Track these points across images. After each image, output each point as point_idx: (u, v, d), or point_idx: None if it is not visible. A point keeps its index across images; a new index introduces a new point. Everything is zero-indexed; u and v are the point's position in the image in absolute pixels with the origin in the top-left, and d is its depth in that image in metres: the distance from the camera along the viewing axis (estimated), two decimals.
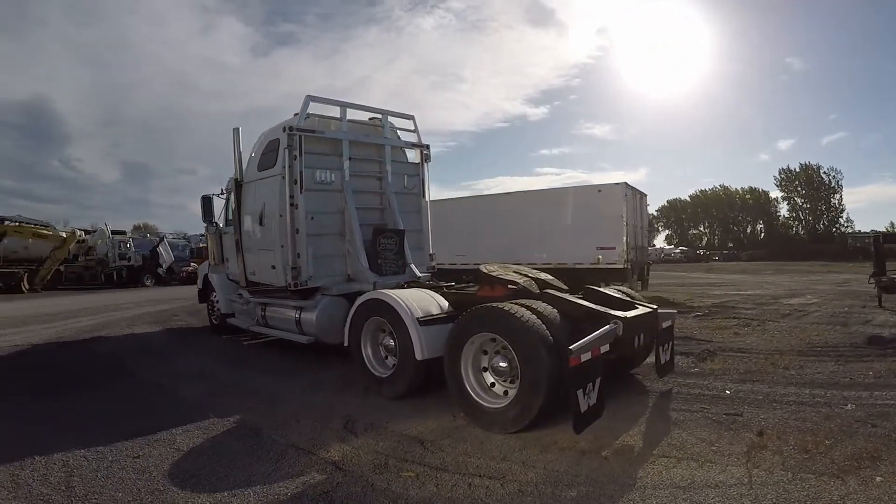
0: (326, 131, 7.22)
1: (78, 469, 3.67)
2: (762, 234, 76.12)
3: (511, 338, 4.19)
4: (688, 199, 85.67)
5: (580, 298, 4.83)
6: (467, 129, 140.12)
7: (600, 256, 13.99)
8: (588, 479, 3.27)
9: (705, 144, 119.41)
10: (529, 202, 15.21)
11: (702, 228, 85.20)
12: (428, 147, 8.47)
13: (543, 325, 4.14)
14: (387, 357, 5.59)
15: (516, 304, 4.46)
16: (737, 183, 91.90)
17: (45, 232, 24.17)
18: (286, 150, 6.76)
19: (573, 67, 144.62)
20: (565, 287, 5.70)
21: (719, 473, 3.24)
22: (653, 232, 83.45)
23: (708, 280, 23.63)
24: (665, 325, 5.30)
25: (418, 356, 4.93)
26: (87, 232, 29.25)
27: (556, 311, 4.47)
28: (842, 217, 69.29)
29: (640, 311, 4.78)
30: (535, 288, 5.25)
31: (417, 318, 5.07)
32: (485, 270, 5.56)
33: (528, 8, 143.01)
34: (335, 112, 7.54)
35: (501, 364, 4.37)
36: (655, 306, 5.04)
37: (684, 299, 13.91)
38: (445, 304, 5.50)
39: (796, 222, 72.40)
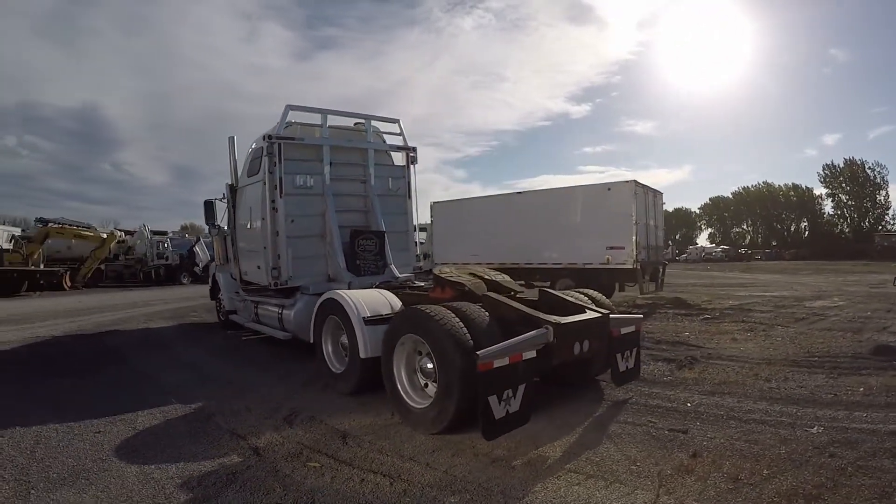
0: (307, 138, 7.14)
1: (46, 439, 4.00)
2: (806, 233, 70.38)
3: (429, 339, 3.97)
4: (730, 196, 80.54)
5: (518, 302, 4.39)
6: (510, 128, 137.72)
7: (609, 256, 13.19)
8: (480, 487, 3.00)
9: (750, 140, 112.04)
10: (540, 201, 14.56)
11: (745, 227, 79.86)
12: (414, 149, 8.22)
13: (463, 328, 3.85)
14: (346, 355, 5.39)
15: (446, 306, 4.18)
16: (782, 179, 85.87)
17: (86, 233, 24.79)
18: (266, 158, 6.71)
19: (614, 64, 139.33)
20: (519, 289, 5.28)
21: (621, 497, 2.80)
22: (695, 232, 79.32)
23: (740, 280, 21.94)
24: (626, 330, 4.78)
25: (362, 354, 4.82)
26: (127, 233, 30.27)
27: (486, 314, 4.11)
28: (888, 214, 62.69)
29: (585, 316, 4.29)
30: (482, 289, 4.86)
31: (363, 318, 4.89)
32: (437, 272, 5.24)
33: (567, 5, 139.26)
34: (330, 119, 7.43)
35: (428, 365, 4.13)
36: (607, 311, 4.53)
37: (702, 301, 12.90)
38: (399, 304, 5.21)
39: (841, 220, 66.29)
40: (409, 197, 8.22)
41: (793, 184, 73.27)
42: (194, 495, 3.05)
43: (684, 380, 5.31)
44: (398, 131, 8.09)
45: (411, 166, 8.22)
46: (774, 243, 70.54)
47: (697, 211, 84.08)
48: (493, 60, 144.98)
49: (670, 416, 4.14)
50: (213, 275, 10.09)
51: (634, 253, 12.67)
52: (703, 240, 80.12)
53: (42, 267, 22.00)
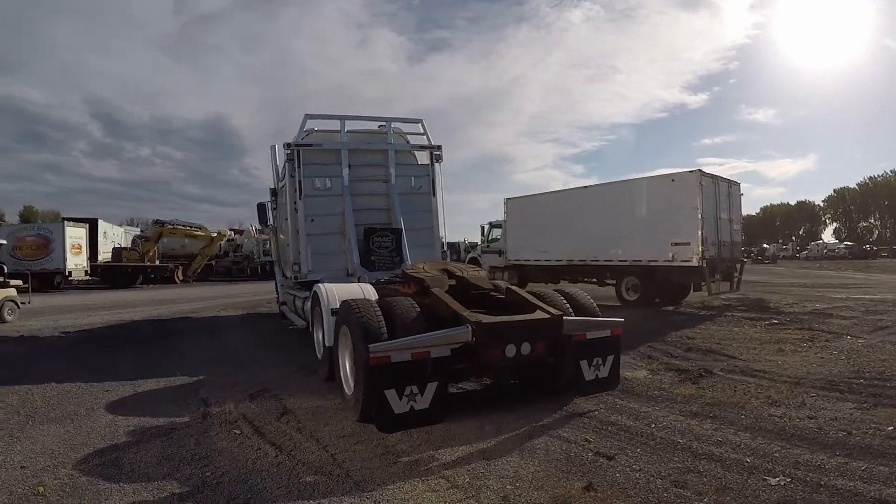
0: (325, 143, 7.24)
1: (65, 392, 4.80)
2: None
3: (350, 330, 3.93)
4: (856, 187, 66.15)
5: (453, 298, 3.97)
6: (626, 121, 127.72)
7: (674, 253, 11.50)
8: (345, 474, 2.94)
9: (878, 125, 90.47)
10: (606, 195, 13.21)
11: (872, 220, 65.04)
12: (439, 148, 7.97)
13: (381, 322, 3.69)
14: None
15: (380, 301, 4.11)
16: None
17: (196, 233, 26.65)
18: (288, 164, 6.95)
19: (730, 49, 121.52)
20: (489, 287, 4.73)
21: None
22: (819, 227, 66.73)
23: (847, 281, 17.86)
24: (595, 335, 4.12)
25: (326, 342, 4.91)
26: (237, 232, 32.14)
27: (416, 309, 3.93)
28: None
29: (523, 316, 3.69)
30: (443, 285, 4.50)
31: (331, 309, 4.86)
32: (405, 268, 4.98)
33: None
34: (352, 125, 7.51)
35: None
36: (560, 313, 3.86)
37: (786, 303, 10.86)
38: (374, 298, 5.02)
39: None
40: (434, 195, 7.92)
41: None
42: (132, 439, 3.51)
43: (675, 395, 4.42)
44: (422, 131, 7.86)
45: (436, 164, 7.93)
46: None
47: (821, 204, 70.54)
48: (605, 52, 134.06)
49: (616, 436, 3.44)
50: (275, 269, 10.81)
51: (700, 249, 10.92)
52: (828, 235, 67.15)
53: (157, 263, 24.46)
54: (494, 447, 3.27)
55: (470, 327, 3.46)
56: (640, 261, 12.04)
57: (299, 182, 6.99)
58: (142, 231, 30.10)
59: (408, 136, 8.02)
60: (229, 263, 29.58)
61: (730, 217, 11.96)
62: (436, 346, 3.37)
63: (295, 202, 7.05)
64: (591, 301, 4.78)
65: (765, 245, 52.27)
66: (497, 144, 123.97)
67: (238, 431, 3.63)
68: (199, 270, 26.26)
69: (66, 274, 20.60)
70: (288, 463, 3.06)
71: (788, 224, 77.28)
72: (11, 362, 6.42)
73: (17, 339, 8.22)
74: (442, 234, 8.24)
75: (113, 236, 26.62)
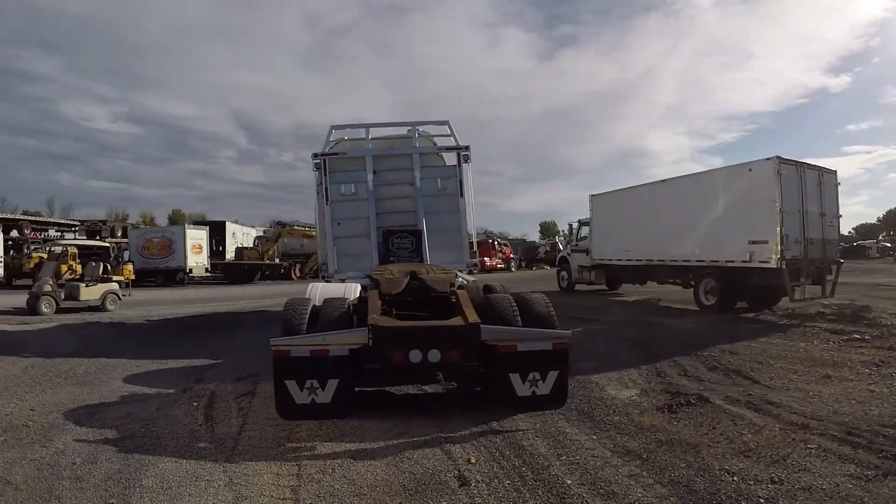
0: (350, 151, 7.40)
1: (105, 365, 5.54)
2: None
3: None
4: None
5: (381, 299, 4.01)
6: (766, 110, 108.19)
7: (751, 252, 9.51)
8: (230, 447, 3.16)
9: None
10: (683, 189, 11.43)
11: None
12: (467, 148, 7.62)
13: (303, 318, 3.90)
14: None
15: (326, 300, 4.29)
16: None
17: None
18: (316, 172, 7.21)
19: (870, 25, 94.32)
20: (443, 290, 4.43)
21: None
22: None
23: None
24: (528, 347, 3.67)
25: None
26: None
27: (344, 309, 4.02)
28: None
29: (431, 322, 3.37)
30: (397, 287, 4.35)
31: (313, 305, 4.93)
32: (373, 271, 4.97)
33: None
34: (382, 131, 7.58)
35: None
36: (475, 321, 3.44)
37: (890, 312, 8.20)
38: (355, 297, 5.05)
39: None
40: (462, 195, 7.58)
41: None
42: (117, 400, 4.16)
43: (632, 425, 3.62)
44: (448, 133, 7.60)
45: (464, 165, 7.59)
46: None
47: None
48: (738, 37, 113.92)
49: (505, 463, 2.96)
50: None
51: (779, 248, 8.83)
52: None
53: (276, 261, 24.39)
54: (376, 449, 3.13)
55: (367, 330, 3.29)
56: (718, 261, 10.14)
57: (326, 188, 7.30)
58: (264, 231, 31.14)
59: (436, 139, 7.81)
60: None
61: (821, 211, 9.41)
62: (333, 345, 3.32)
63: (323, 207, 7.37)
64: (549, 310, 4.17)
65: None
66: (631, 138, 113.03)
67: (196, 404, 4.03)
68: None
69: (188, 271, 21.47)
70: (202, 431, 3.36)
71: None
72: (89, 341, 7.24)
73: (107, 324, 9.04)
74: (472, 233, 7.86)
75: (241, 237, 28.10)
